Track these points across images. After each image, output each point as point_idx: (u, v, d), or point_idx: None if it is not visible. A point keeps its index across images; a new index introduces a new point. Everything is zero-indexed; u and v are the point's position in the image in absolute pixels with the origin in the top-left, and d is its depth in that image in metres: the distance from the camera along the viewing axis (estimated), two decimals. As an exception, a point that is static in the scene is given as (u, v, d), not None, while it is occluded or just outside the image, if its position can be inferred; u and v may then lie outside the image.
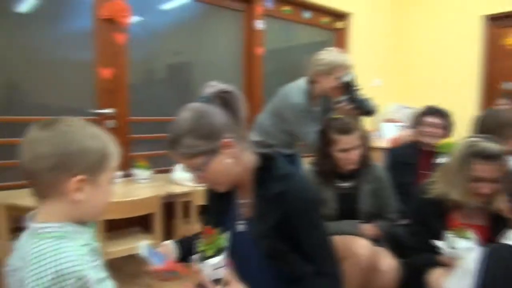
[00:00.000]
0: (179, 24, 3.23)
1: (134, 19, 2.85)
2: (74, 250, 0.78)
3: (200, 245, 1.02)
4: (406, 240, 1.61)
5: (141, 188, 2.53)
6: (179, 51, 3.30)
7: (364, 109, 2.11)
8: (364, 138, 1.76)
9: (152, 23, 3.05)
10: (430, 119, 2.26)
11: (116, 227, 2.37)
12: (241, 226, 1.19)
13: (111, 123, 2.77)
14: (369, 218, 1.76)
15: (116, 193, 2.37)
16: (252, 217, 1.15)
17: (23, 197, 2.12)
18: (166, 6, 3.15)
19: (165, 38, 3.16)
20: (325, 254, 1.14)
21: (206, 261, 1.00)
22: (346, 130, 1.71)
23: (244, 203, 1.19)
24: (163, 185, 2.56)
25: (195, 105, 1.08)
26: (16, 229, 1.97)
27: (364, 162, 1.76)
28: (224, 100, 1.09)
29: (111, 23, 2.71)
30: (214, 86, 1.10)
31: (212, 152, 1.05)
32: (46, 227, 0.80)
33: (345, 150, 1.71)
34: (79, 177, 0.80)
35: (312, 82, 2.18)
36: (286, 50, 4.06)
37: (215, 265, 0.99)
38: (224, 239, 1.02)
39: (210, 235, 1.02)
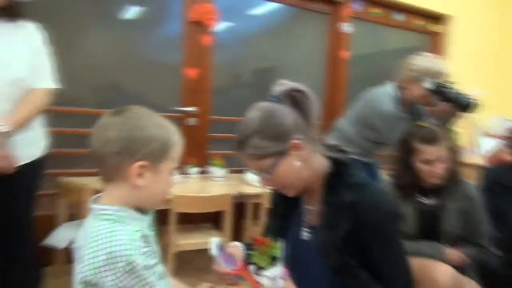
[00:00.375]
0: (267, 29, 3.27)
1: (223, 24, 2.96)
2: (126, 235, 0.80)
3: (253, 255, 0.98)
4: (499, 272, 1.39)
5: (215, 185, 2.59)
6: (266, 56, 3.34)
7: (460, 103, 1.89)
8: (453, 150, 1.56)
9: (240, 28, 3.14)
10: None
11: (188, 221, 2.44)
12: (305, 234, 1.12)
13: (192, 120, 2.88)
14: (453, 242, 1.56)
15: (190, 188, 2.46)
16: (319, 225, 1.08)
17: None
18: (255, 12, 3.20)
19: (253, 43, 3.22)
20: (399, 275, 1.03)
21: (262, 272, 0.95)
22: (431, 139, 1.54)
23: (311, 209, 1.12)
24: (236, 184, 2.59)
25: (264, 104, 1.03)
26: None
27: (452, 177, 1.57)
28: (295, 99, 1.03)
29: (199, 25, 2.83)
30: (285, 84, 1.05)
31: (281, 154, 1.00)
32: (105, 209, 0.84)
33: (428, 162, 1.55)
34: (140, 162, 0.83)
35: (401, 88, 2.06)
36: (374, 55, 3.86)
37: (273, 276, 0.94)
38: (278, 249, 0.97)
39: (263, 245, 0.97)
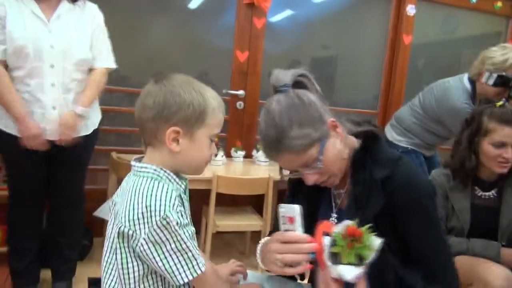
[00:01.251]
0: (328, 16, 3.14)
1: (285, 12, 2.92)
2: (164, 192, 0.82)
3: (338, 245, 0.79)
4: None
5: (259, 169, 2.55)
6: (326, 44, 3.23)
7: None
8: None
9: (301, 16, 3.05)
10: None
11: (230, 203, 2.43)
12: (334, 220, 1.03)
13: (241, 104, 2.85)
14: (512, 241, 1.36)
15: (234, 171, 2.44)
16: (347, 206, 0.98)
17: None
18: (317, -1, 3.11)
19: (313, 30, 3.12)
20: (442, 260, 0.93)
21: (341, 267, 0.78)
22: (509, 119, 1.33)
23: (340, 193, 1.03)
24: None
25: (282, 95, 0.92)
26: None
27: None
28: (303, 84, 0.95)
29: (253, 8, 2.78)
30: (285, 73, 0.95)
31: (324, 137, 0.91)
32: (144, 167, 0.87)
33: (502, 145, 1.34)
34: (174, 128, 0.84)
35: (475, 82, 1.93)
36: (443, 42, 3.52)
37: (354, 276, 0.77)
38: (370, 249, 0.77)
39: (353, 238, 0.77)
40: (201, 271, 0.85)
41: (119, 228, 0.82)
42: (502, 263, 1.31)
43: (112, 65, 1.80)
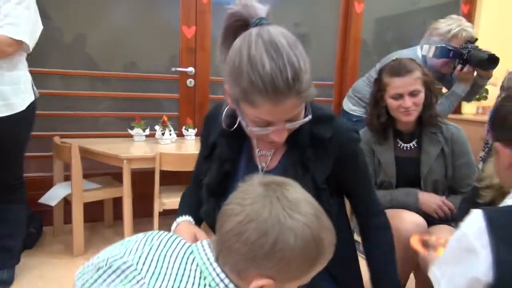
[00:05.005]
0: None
1: None
2: None
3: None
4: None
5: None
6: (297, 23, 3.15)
7: (477, 60, 1.86)
8: (428, 84, 1.36)
9: None
10: None
11: (179, 182, 2.38)
12: None
13: (191, 81, 2.79)
14: (434, 189, 1.37)
15: (186, 149, 2.41)
16: (284, 169, 0.95)
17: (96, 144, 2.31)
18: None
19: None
20: (375, 196, 1.06)
21: None
22: (398, 71, 1.36)
23: (265, 154, 0.99)
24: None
25: (279, 28, 0.82)
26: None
27: (430, 116, 1.37)
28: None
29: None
30: (258, 5, 0.88)
31: None
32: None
33: (397, 97, 1.36)
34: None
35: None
36: (409, 13, 3.50)
37: None
38: None
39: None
40: None
41: None
42: (421, 207, 1.35)
43: (18, 36, 1.59)
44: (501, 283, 0.67)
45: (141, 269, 0.66)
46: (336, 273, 0.98)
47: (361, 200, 1.03)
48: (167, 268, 0.66)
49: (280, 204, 0.62)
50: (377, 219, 1.03)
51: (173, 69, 2.75)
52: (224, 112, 0.98)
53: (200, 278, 0.65)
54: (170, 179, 2.28)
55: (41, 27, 1.76)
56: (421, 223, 1.27)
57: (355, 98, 2.32)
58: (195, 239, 0.91)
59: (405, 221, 1.26)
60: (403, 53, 1.99)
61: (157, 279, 0.64)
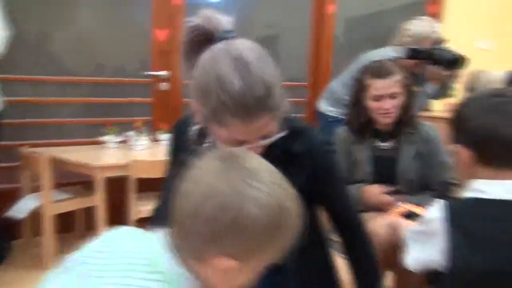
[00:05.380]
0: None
1: None
2: None
3: None
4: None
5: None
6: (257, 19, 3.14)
7: (445, 61, 1.91)
8: (407, 86, 1.39)
9: None
10: None
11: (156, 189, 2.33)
12: None
13: (164, 85, 2.74)
14: (409, 187, 1.41)
15: (156, 155, 2.34)
16: None
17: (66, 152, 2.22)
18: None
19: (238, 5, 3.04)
20: (354, 207, 1.05)
21: None
22: (379, 73, 1.39)
23: None
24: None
25: (246, 42, 0.79)
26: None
27: (408, 119, 1.40)
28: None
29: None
30: (222, 17, 0.84)
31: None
32: None
33: (377, 98, 1.38)
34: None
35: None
36: (379, 13, 3.55)
37: None
38: None
39: None
40: None
41: None
42: (365, 199, 1.42)
43: None
44: (453, 265, 0.78)
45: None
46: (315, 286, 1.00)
47: (339, 213, 1.00)
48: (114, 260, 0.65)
49: (239, 175, 0.58)
50: (356, 233, 1.00)
51: (145, 73, 2.69)
52: (192, 129, 0.93)
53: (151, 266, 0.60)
54: (146, 186, 2.22)
55: (8, 32, 1.69)
56: (395, 225, 1.27)
57: (330, 98, 2.34)
58: None
59: (379, 224, 1.27)
60: (375, 54, 2.03)
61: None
